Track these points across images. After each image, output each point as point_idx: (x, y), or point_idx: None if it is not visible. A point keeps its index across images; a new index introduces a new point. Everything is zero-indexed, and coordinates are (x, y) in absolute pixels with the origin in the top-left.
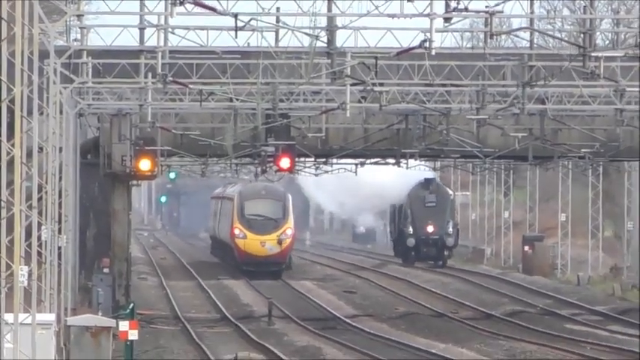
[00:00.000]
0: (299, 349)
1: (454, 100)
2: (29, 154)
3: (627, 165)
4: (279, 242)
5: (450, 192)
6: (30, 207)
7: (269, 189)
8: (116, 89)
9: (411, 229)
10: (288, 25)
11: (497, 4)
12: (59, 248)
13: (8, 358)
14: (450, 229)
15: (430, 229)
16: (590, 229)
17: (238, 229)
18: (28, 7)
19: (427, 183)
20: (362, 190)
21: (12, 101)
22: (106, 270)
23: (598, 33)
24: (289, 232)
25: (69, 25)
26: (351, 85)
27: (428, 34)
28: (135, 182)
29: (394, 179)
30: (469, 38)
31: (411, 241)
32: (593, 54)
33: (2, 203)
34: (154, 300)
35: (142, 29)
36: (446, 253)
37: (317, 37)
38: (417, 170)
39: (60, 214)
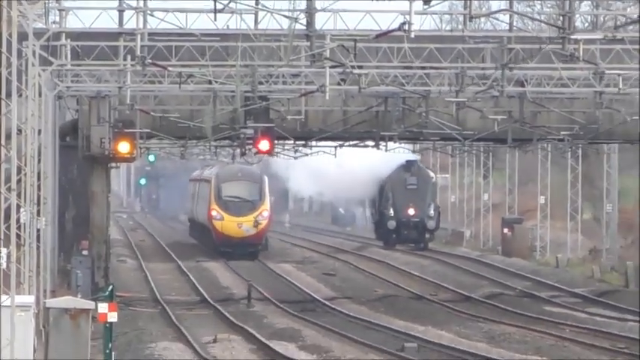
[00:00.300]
0: (278, 331)
1: (433, 83)
2: (8, 137)
3: (606, 147)
4: (256, 224)
5: (432, 174)
6: (9, 189)
7: (245, 171)
8: (95, 71)
9: (392, 212)
10: (268, 8)
11: None
12: (38, 230)
13: None
14: (432, 212)
15: (411, 211)
16: (569, 212)
17: (215, 211)
18: None
19: (408, 165)
20: (340, 176)
21: None
22: (85, 252)
23: (577, 15)
24: (265, 213)
25: (48, 7)
26: (331, 67)
27: (407, 17)
28: (114, 165)
29: (373, 164)
30: (448, 21)
31: (392, 224)
32: (572, 36)
33: None
34: (133, 282)
35: (120, 11)
36: (427, 235)
37: (296, 20)
38: (397, 153)
39: (39, 197)
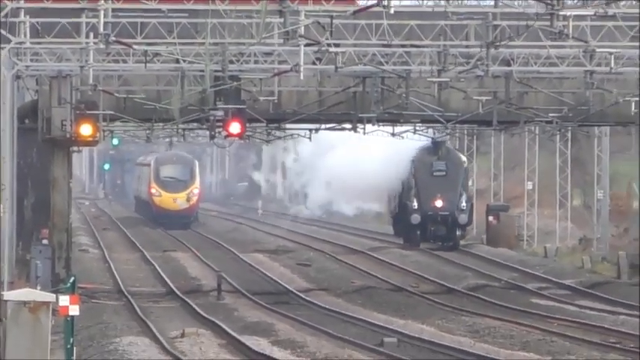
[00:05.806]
0: (250, 325)
1: (414, 62)
2: None
3: (597, 130)
4: (188, 199)
5: (464, 159)
6: None
7: (179, 156)
8: (56, 50)
9: (415, 204)
10: None
11: None
12: None
13: None
14: (464, 204)
15: (439, 203)
16: (558, 199)
17: (155, 189)
18: None
19: (435, 147)
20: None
21: None
22: (45, 241)
23: None
24: (196, 191)
25: None
26: (305, 45)
27: None
28: (76, 148)
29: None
30: None
31: (415, 218)
32: (561, 12)
33: None
34: (96, 273)
35: None
36: (458, 232)
37: None
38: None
39: None
